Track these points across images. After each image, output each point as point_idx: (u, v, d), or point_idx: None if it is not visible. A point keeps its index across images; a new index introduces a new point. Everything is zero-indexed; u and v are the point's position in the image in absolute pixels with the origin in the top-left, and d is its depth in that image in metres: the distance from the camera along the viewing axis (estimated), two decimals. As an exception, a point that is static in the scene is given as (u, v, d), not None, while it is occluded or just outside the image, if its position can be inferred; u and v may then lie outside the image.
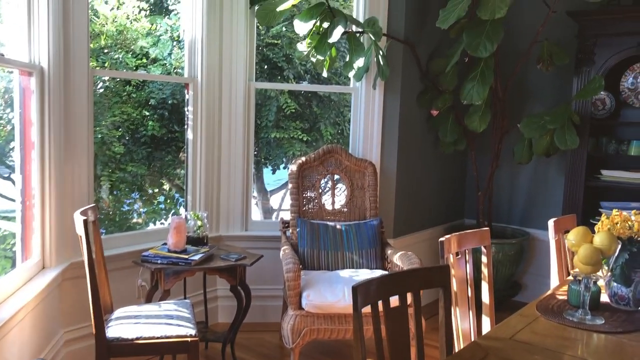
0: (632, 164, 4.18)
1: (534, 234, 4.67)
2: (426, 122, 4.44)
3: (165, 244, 3.22)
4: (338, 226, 3.70)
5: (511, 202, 4.90)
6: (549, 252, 2.87)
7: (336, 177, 3.90)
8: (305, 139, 4.99)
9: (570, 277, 2.39)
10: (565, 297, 2.26)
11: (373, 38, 3.64)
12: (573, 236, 2.08)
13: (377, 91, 4.02)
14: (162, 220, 4.60)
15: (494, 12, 3.52)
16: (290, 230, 3.73)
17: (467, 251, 2.49)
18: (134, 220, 4.49)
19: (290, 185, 3.76)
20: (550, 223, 2.87)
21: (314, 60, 3.81)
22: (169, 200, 4.68)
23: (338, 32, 3.43)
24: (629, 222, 2.19)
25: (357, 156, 4.02)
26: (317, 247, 3.59)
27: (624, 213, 2.27)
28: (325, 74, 3.85)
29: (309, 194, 3.84)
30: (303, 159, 3.83)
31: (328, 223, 3.72)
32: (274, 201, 6.50)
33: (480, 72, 3.90)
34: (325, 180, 3.91)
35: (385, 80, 3.78)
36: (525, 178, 4.81)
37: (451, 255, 2.35)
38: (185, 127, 3.85)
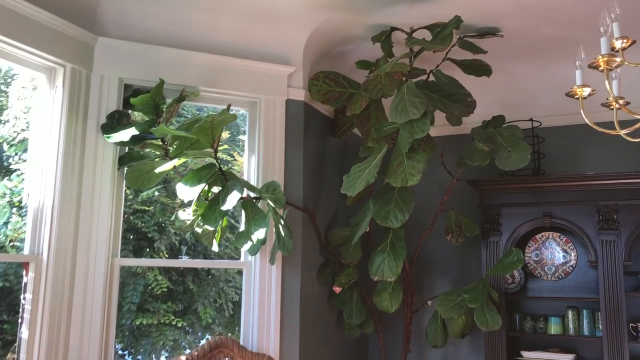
0: (552, 343, 3.83)
1: None
2: (327, 300, 3.81)
3: None
4: None
5: (422, 391, 4.27)
6: None
7: (226, 380, 3.03)
8: (179, 324, 4.07)
9: None
10: None
11: (273, 205, 3.07)
12: None
13: (275, 266, 3.37)
14: None
15: (405, 179, 3.16)
16: None
17: None
18: None
19: (165, 397, 2.81)
20: None
21: (199, 230, 3.12)
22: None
23: (234, 198, 2.81)
24: None
25: (252, 350, 3.22)
26: None
27: None
28: (215, 248, 3.14)
29: (190, 407, 2.89)
30: (183, 358, 2.94)
31: None
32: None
33: (390, 244, 3.45)
34: (212, 385, 3.02)
35: (288, 253, 3.16)
36: (436, 361, 4.25)
37: None
38: (19, 320, 2.83)
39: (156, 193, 4.01)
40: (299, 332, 3.38)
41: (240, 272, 4.58)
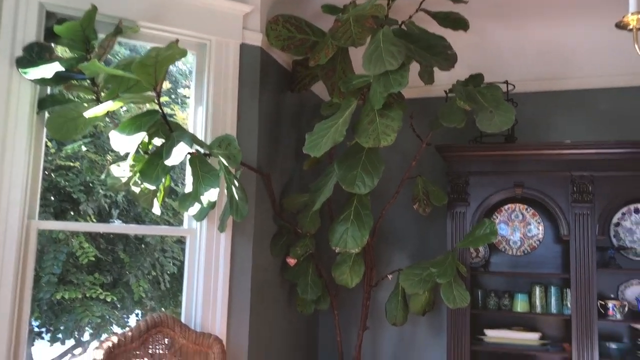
0: (516, 321, 3.62)
1: (407, 411, 3.76)
2: (279, 274, 3.43)
3: None
4: None
5: (375, 370, 3.98)
6: None
7: (166, 365, 2.60)
8: (108, 298, 3.57)
9: None
10: None
11: (226, 163, 2.62)
12: None
13: (224, 235, 2.94)
14: None
15: (378, 138, 2.80)
16: None
17: None
18: None
19: (92, 387, 2.35)
20: None
21: (136, 190, 2.64)
22: None
23: (180, 151, 2.35)
24: None
25: (195, 329, 2.79)
26: None
27: None
28: (157, 210, 2.67)
29: (122, 397, 2.45)
30: (115, 339, 2.48)
31: None
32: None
33: (355, 213, 3.09)
34: (149, 371, 2.58)
35: (241, 220, 2.73)
36: (392, 340, 3.97)
37: None
38: None
39: (83, 148, 3.45)
40: (249, 309, 2.99)
41: (179, 241, 4.12)
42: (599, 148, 3.31)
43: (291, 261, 3.33)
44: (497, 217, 3.78)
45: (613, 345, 3.32)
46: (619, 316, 3.29)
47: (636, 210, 3.52)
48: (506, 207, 3.75)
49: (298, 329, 3.74)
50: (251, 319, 3.00)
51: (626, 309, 3.32)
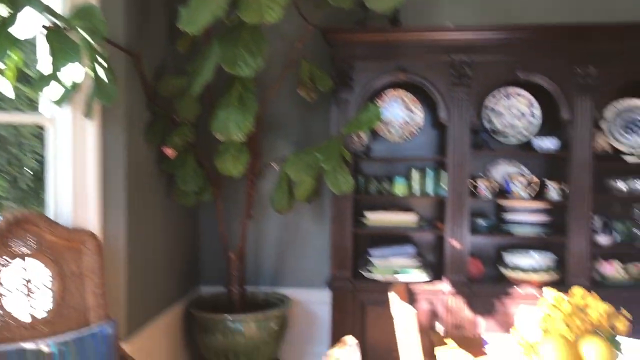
0: (396, 204, 3.76)
1: (289, 294, 3.83)
2: (156, 164, 3.20)
3: None
4: (45, 348, 2.19)
5: (258, 258, 3.99)
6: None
7: (33, 262, 2.35)
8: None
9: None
10: None
11: (88, 38, 2.28)
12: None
13: (92, 123, 2.63)
14: None
15: (261, 13, 2.58)
16: (-49, 376, 2.04)
17: None
18: None
19: (-56, 293, 2.07)
20: (394, 296, 2.09)
21: (-22, 69, 2.23)
22: None
23: (33, 21, 1.98)
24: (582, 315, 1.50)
25: (65, 225, 2.54)
26: (10, 397, 2.02)
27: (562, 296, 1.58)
28: (10, 93, 2.29)
29: (-17, 301, 2.20)
30: (-33, 240, 2.19)
31: (26, 346, 2.16)
32: None
33: (238, 97, 2.91)
34: (13, 270, 2.32)
35: (110, 103, 2.44)
36: (277, 229, 3.96)
37: None
38: None
39: None
40: (125, 202, 2.76)
41: (38, 135, 3.70)
42: (477, 31, 3.34)
43: (169, 151, 3.13)
44: (378, 103, 3.77)
45: (482, 222, 3.56)
46: (489, 195, 3.50)
47: (507, 96, 3.67)
48: (388, 92, 3.74)
49: (179, 221, 3.59)
50: (127, 212, 2.79)
51: (495, 188, 3.54)
